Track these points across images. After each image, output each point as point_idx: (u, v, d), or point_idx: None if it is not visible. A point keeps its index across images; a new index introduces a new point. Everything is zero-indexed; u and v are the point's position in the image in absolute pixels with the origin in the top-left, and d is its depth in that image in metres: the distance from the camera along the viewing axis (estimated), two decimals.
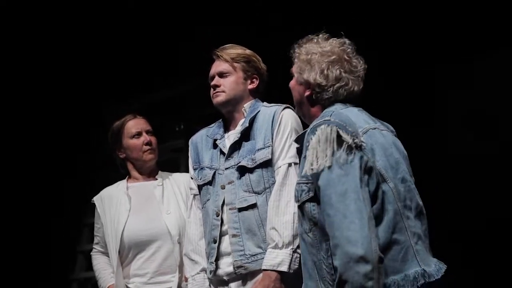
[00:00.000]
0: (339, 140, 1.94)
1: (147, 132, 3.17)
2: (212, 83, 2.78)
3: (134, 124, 3.17)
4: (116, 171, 3.30)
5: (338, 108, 2.14)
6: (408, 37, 3.77)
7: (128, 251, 3.02)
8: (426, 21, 3.74)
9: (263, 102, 2.79)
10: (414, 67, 3.76)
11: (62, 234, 5.08)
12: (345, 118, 2.02)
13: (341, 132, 1.95)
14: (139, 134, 3.15)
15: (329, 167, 1.91)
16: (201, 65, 2.97)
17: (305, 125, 2.42)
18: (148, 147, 3.13)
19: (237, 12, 4.25)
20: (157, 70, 4.85)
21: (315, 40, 2.26)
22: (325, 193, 1.91)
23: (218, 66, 2.79)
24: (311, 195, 2.01)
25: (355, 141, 1.94)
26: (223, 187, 2.66)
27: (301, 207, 2.07)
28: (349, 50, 2.22)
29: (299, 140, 2.24)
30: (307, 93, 2.23)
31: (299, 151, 2.23)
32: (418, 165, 2.28)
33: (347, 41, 2.25)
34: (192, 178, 2.87)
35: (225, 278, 2.61)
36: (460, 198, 3.51)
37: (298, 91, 2.27)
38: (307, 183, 2.03)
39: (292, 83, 2.29)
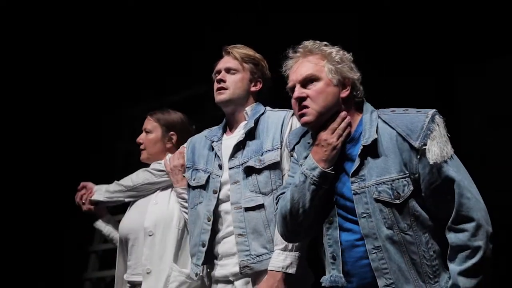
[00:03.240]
0: None
1: (144, 130, 3.20)
2: (218, 77, 2.79)
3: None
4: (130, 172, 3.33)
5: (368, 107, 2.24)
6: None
7: (121, 243, 3.08)
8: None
9: (265, 106, 2.80)
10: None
11: (75, 234, 5.11)
12: None
13: None
14: (141, 132, 3.21)
15: (453, 154, 2.07)
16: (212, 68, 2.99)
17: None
18: (141, 146, 3.20)
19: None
20: (171, 71, 4.90)
21: (319, 44, 2.28)
22: (459, 178, 2.02)
23: (227, 62, 2.81)
24: (412, 188, 2.06)
25: None
26: (215, 192, 2.67)
27: (400, 205, 2.06)
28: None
29: (295, 136, 2.34)
30: (345, 93, 2.22)
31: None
32: None
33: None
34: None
35: (230, 278, 2.60)
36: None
37: (332, 93, 2.21)
38: (405, 177, 2.07)
39: (319, 87, 2.20)
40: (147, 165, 3.18)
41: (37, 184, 5.04)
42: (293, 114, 2.61)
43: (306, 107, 2.20)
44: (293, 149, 2.38)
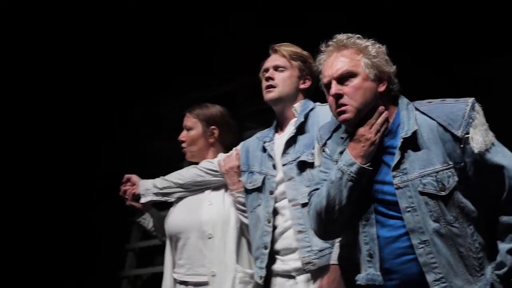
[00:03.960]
0: None
1: (184, 128, 3.18)
2: (267, 75, 2.77)
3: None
4: (163, 169, 3.32)
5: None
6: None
7: (171, 239, 3.04)
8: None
9: (314, 102, 2.77)
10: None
11: (112, 232, 5.15)
12: None
13: None
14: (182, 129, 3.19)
15: (495, 141, 2.06)
16: (249, 63, 2.96)
17: None
18: (183, 144, 3.16)
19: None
20: (193, 68, 4.91)
21: (353, 38, 2.23)
22: (507, 163, 2.01)
23: (275, 60, 2.80)
24: (457, 179, 2.03)
25: None
26: (271, 193, 2.66)
27: (446, 197, 2.03)
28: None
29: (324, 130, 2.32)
30: (382, 88, 2.18)
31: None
32: None
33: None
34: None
35: (293, 273, 2.59)
36: None
37: (369, 89, 2.16)
38: (449, 168, 2.04)
39: (356, 83, 2.15)
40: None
41: (73, 181, 5.08)
42: None
43: (344, 104, 2.15)
44: (324, 144, 2.34)
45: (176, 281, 2.99)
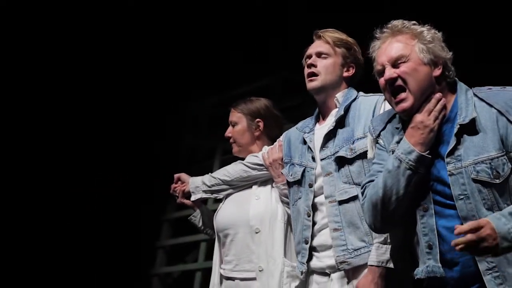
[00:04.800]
0: None
1: (230, 123, 3.14)
2: (309, 61, 2.67)
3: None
4: (200, 164, 3.31)
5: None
6: None
7: (219, 235, 3.01)
8: None
9: (358, 92, 2.67)
10: None
11: (143, 230, 5.17)
12: None
13: None
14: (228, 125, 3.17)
15: None
16: (282, 59, 2.91)
17: None
18: (230, 140, 3.14)
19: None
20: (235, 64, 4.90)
21: (408, 23, 2.18)
22: None
23: (318, 46, 2.69)
24: (511, 166, 1.97)
25: None
26: (311, 186, 2.58)
27: (500, 185, 1.97)
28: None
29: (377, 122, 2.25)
30: (437, 72, 2.12)
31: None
32: None
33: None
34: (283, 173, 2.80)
35: (327, 270, 2.52)
36: None
37: (423, 72, 2.10)
38: (503, 155, 1.97)
39: (411, 66, 2.09)
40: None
41: (104, 181, 5.12)
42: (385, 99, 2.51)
43: (401, 89, 2.10)
44: (378, 135, 2.26)
45: (223, 277, 2.96)
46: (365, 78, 2.64)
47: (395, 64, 2.12)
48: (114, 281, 4.94)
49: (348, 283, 2.45)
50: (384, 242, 2.31)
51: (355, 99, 2.62)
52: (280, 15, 4.54)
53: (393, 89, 2.12)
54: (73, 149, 5.09)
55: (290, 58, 2.93)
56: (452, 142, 2.03)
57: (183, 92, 5.26)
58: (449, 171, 2.02)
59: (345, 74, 2.68)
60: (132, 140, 5.16)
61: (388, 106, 2.38)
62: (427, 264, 2.04)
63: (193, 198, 3.08)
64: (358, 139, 2.49)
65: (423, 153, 2.04)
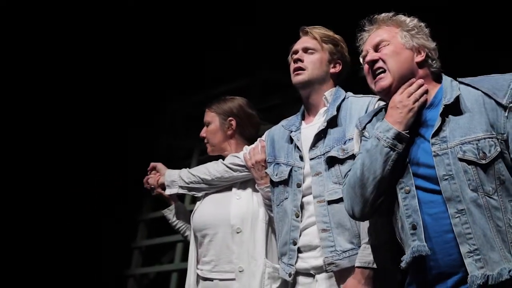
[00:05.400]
0: None
1: (204, 124, 3.13)
2: (295, 56, 2.65)
3: None
4: (177, 164, 3.27)
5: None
6: None
7: (196, 235, 2.96)
8: None
9: (346, 92, 2.66)
10: None
11: (119, 230, 5.11)
12: None
13: None
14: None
15: None
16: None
17: None
18: (204, 140, 3.13)
19: None
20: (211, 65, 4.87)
21: (393, 15, 2.24)
22: None
23: (305, 41, 2.69)
24: (499, 150, 1.95)
25: None
26: (299, 185, 2.54)
27: (486, 166, 1.94)
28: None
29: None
30: (419, 59, 2.15)
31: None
32: None
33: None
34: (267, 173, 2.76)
35: (312, 272, 2.47)
36: None
37: (404, 56, 2.14)
38: (491, 138, 1.96)
39: (391, 49, 2.16)
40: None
41: (79, 180, 5.04)
42: (378, 100, 2.48)
43: (381, 70, 2.15)
44: (364, 128, 2.26)
45: (200, 278, 2.91)
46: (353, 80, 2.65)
47: (376, 48, 2.18)
48: (89, 282, 4.87)
49: (335, 284, 2.41)
50: (369, 242, 2.27)
51: (344, 99, 2.59)
52: (260, 14, 4.52)
53: (374, 71, 2.16)
54: (48, 150, 5.02)
55: (269, 58, 2.91)
56: (437, 123, 2.03)
57: (160, 92, 5.22)
58: (434, 151, 2.00)
59: (332, 70, 2.66)
60: (107, 140, 5.10)
61: None
62: (412, 246, 2.00)
63: (167, 192, 3.02)
64: (350, 139, 2.45)
65: (401, 131, 2.04)
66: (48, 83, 4.99)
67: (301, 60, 2.63)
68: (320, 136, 2.53)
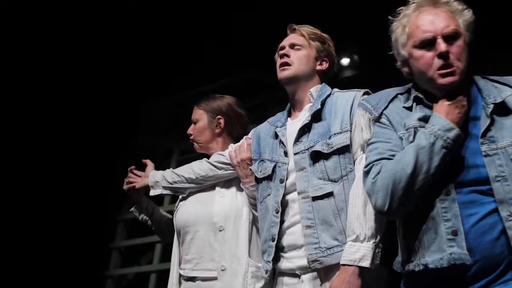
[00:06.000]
0: None
1: (192, 122, 3.08)
2: (282, 52, 2.62)
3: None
4: (156, 164, 3.25)
5: None
6: None
7: (178, 234, 2.92)
8: None
9: (332, 88, 2.63)
10: None
11: (97, 230, 5.06)
12: None
13: None
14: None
15: None
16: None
17: None
18: (191, 138, 3.09)
19: None
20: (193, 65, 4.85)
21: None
22: None
23: (293, 38, 2.67)
24: None
25: None
26: (282, 181, 2.49)
27: None
28: None
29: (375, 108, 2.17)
30: (468, 53, 2.06)
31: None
32: None
33: None
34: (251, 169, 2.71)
35: (297, 272, 2.41)
36: None
37: (467, 52, 2.04)
38: None
39: (462, 45, 2.03)
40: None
41: (58, 181, 5.00)
42: (363, 94, 2.45)
43: (452, 65, 2.00)
44: (381, 114, 2.16)
45: (183, 278, 2.85)
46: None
47: (448, 37, 2.02)
48: (67, 282, 4.82)
49: (320, 284, 2.35)
50: (355, 240, 2.20)
51: (329, 94, 2.56)
52: (240, 14, 4.52)
53: (444, 62, 2.01)
54: (26, 149, 4.96)
55: (251, 58, 2.90)
56: (485, 122, 1.96)
57: (140, 91, 5.18)
58: (484, 151, 1.93)
59: (318, 67, 2.64)
60: (85, 140, 5.06)
61: None
62: (451, 252, 1.90)
63: (151, 193, 2.98)
64: (335, 134, 2.41)
65: (460, 132, 1.96)
66: (26, 83, 4.92)
67: (287, 56, 2.61)
68: (304, 130, 2.49)
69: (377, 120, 2.16)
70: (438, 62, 2.00)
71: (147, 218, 3.12)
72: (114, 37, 4.82)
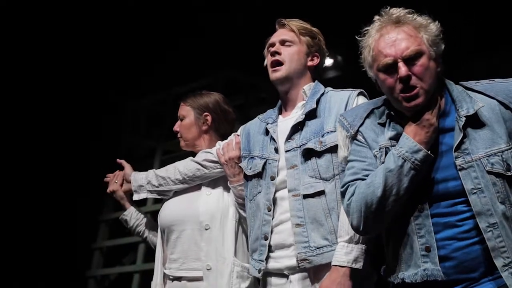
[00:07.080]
0: None
1: (179, 118, 3.01)
2: (273, 49, 2.56)
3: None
4: (138, 163, 3.23)
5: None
6: None
7: (163, 232, 2.86)
8: None
9: (325, 86, 2.57)
10: None
11: (79, 230, 5.03)
12: None
13: None
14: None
15: None
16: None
17: None
18: (178, 135, 3.02)
19: None
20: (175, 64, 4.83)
21: (411, 13, 2.03)
22: None
23: (282, 34, 2.59)
24: None
25: None
26: (272, 178, 2.43)
27: (510, 178, 1.88)
28: None
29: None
30: (439, 68, 2.00)
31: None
32: None
33: None
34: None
35: (285, 272, 2.36)
36: None
37: (433, 69, 1.98)
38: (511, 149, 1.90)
39: (425, 64, 1.96)
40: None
41: (38, 181, 4.96)
42: (358, 94, 2.42)
43: (414, 87, 1.95)
44: (357, 131, 2.13)
45: (168, 278, 2.79)
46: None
47: (409, 59, 1.96)
48: (50, 282, 4.79)
49: (310, 285, 2.32)
50: (349, 241, 2.19)
51: (323, 93, 2.51)
52: (222, 14, 4.52)
53: (406, 86, 1.96)
54: (8, 148, 4.91)
55: (232, 57, 2.90)
56: (458, 135, 1.93)
57: (121, 90, 5.17)
58: (459, 165, 1.91)
59: (310, 63, 2.58)
60: (67, 139, 5.02)
61: (361, 101, 2.32)
62: (424, 268, 1.92)
63: (135, 198, 2.89)
64: (328, 132, 2.37)
65: (428, 152, 1.93)
66: (8, 83, 4.87)
67: (278, 53, 2.54)
68: (297, 128, 2.44)
69: (353, 137, 2.13)
70: (400, 86, 1.96)
71: (138, 228, 3.08)
72: (96, 37, 4.80)
